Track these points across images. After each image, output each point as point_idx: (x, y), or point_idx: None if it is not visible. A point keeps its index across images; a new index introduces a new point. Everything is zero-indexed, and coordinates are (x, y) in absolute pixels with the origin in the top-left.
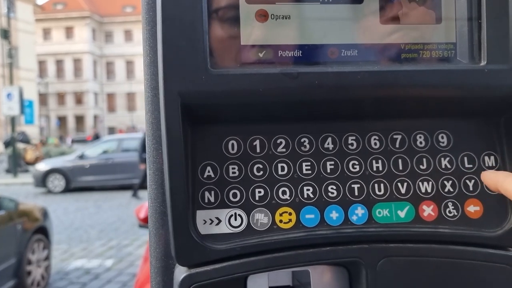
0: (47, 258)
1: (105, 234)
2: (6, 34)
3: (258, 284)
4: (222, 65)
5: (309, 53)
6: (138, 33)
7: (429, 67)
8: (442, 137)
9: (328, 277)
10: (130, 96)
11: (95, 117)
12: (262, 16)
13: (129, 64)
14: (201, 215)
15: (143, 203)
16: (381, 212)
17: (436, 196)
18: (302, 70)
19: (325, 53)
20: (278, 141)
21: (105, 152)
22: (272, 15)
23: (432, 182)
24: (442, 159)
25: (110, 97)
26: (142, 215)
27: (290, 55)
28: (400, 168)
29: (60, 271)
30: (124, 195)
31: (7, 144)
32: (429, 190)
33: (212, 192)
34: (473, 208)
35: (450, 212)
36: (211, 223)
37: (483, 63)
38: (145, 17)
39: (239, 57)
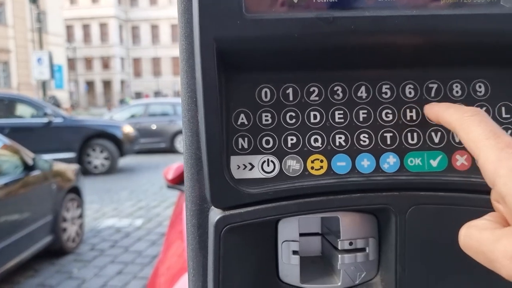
0: (81, 216)
1: (135, 196)
2: None
3: (288, 229)
4: (256, 10)
5: None
6: None
7: (471, 11)
8: (480, 86)
9: (357, 224)
10: (156, 61)
11: (122, 82)
12: None
13: (154, 29)
14: (235, 160)
15: (171, 165)
16: (413, 161)
17: None
18: (338, 14)
19: None
20: (311, 89)
21: (132, 116)
22: None
23: None
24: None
25: (136, 62)
26: (170, 176)
27: (325, 0)
28: None
29: (93, 229)
30: (152, 158)
31: None
32: None
33: (246, 139)
34: None
35: None
36: (244, 168)
37: None
38: None
39: (274, 2)
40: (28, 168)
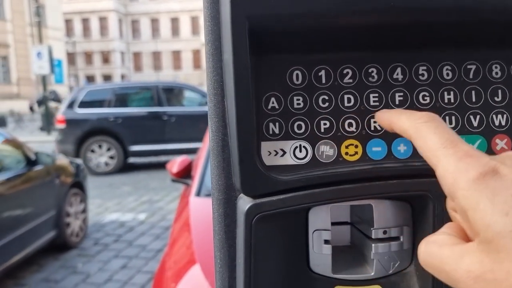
0: (84, 211)
1: (136, 190)
2: None
3: (320, 218)
4: None
5: None
6: None
7: None
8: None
9: (391, 212)
10: (156, 55)
11: (122, 77)
12: None
13: (154, 22)
14: (266, 146)
15: (175, 158)
16: None
17: (510, 129)
18: None
19: None
20: (345, 71)
21: None
22: None
23: (507, 115)
24: None
25: (136, 56)
26: (174, 170)
27: None
28: (473, 100)
29: (96, 224)
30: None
31: (40, 103)
32: (503, 123)
33: (277, 124)
34: None
35: None
36: (275, 155)
37: None
38: None
39: None
40: (30, 163)
